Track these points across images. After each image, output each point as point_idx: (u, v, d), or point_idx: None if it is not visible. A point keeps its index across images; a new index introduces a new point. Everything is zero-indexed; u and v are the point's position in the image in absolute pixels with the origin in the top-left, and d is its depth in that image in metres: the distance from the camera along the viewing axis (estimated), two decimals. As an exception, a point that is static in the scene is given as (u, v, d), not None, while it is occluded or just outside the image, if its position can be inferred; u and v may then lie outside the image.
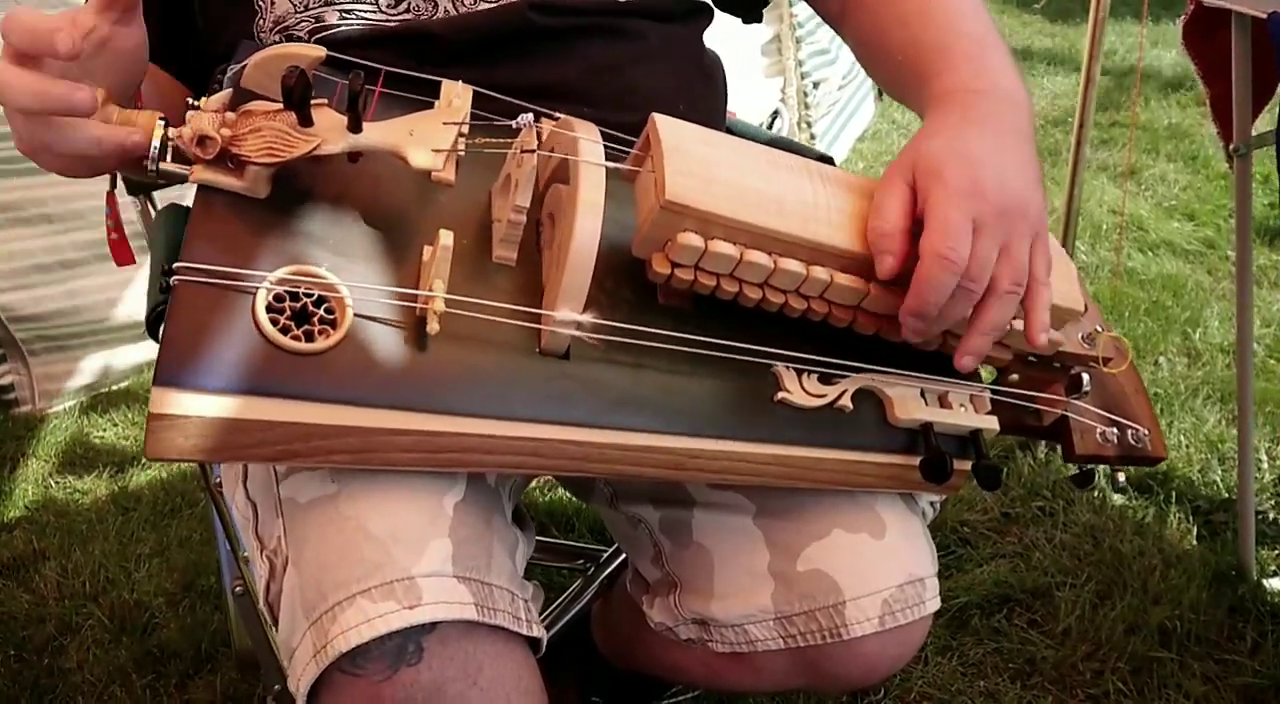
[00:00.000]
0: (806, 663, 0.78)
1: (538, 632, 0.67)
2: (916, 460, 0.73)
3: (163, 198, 1.07)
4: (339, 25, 0.77)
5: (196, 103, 0.63)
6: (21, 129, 0.60)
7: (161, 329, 0.56)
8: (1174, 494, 1.57)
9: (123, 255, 0.71)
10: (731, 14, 0.94)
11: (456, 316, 0.60)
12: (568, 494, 1.55)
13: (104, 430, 2.01)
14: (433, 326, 0.59)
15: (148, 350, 2.19)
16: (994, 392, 0.77)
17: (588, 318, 0.62)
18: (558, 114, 0.68)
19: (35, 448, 1.89)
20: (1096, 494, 1.60)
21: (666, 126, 0.65)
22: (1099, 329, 0.79)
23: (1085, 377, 0.78)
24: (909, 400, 0.73)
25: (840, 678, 0.79)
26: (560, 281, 0.61)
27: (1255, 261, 2.33)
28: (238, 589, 0.89)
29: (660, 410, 0.66)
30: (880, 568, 0.75)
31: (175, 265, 0.57)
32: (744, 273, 0.65)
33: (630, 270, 0.68)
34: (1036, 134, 0.73)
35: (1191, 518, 1.53)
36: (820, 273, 0.65)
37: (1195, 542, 1.49)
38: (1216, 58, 1.16)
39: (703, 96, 0.88)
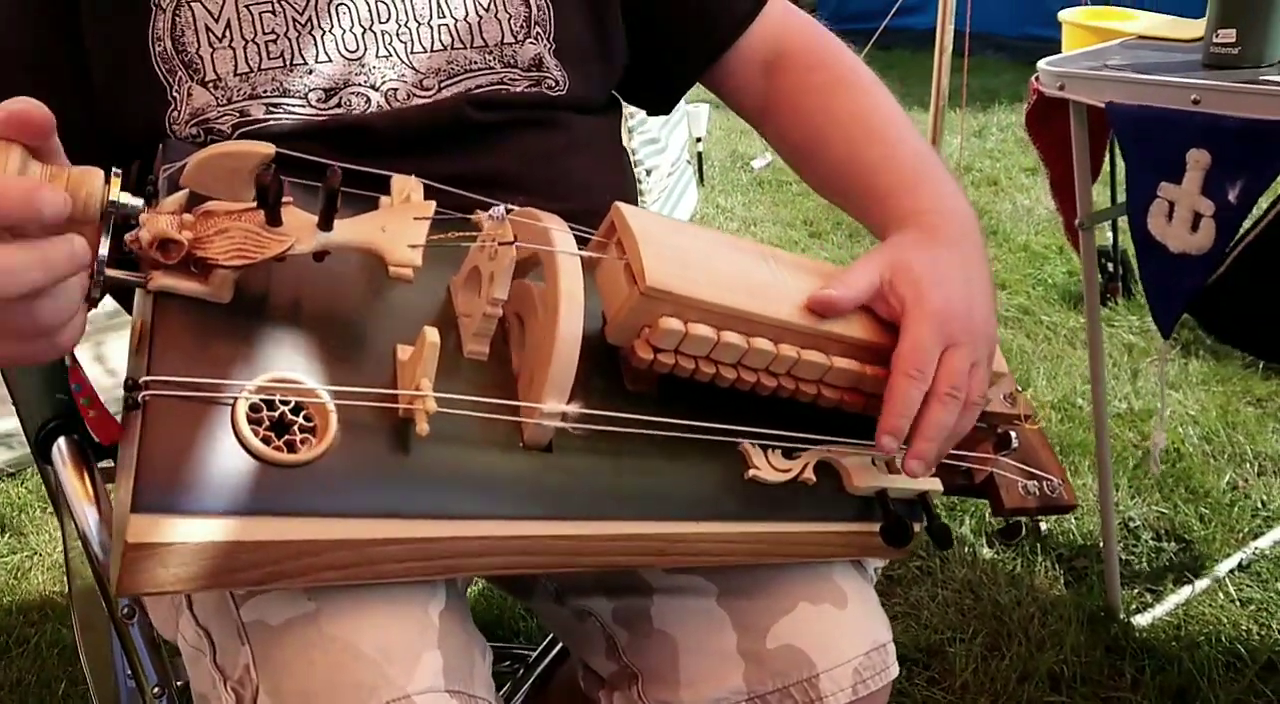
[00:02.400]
0: (780, 740, 0.77)
1: None
2: (874, 527, 0.75)
3: None
4: (266, 120, 0.74)
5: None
6: None
7: (128, 450, 0.51)
8: (1039, 544, 1.66)
9: (108, 430, 0.62)
10: (640, 107, 0.97)
11: (438, 415, 0.58)
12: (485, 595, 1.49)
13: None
14: (422, 427, 0.56)
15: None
16: (932, 455, 0.81)
17: (573, 409, 0.61)
18: (500, 204, 0.68)
19: None
20: (967, 550, 1.67)
21: (631, 215, 0.66)
22: (1017, 389, 0.84)
23: (1012, 434, 0.83)
24: (864, 469, 0.75)
25: (814, 751, 0.79)
26: (546, 374, 0.60)
27: (1066, 324, 2.54)
28: (144, 733, 0.81)
29: (643, 497, 0.65)
30: (847, 637, 0.76)
31: (144, 380, 0.52)
32: (719, 354, 0.65)
33: (595, 359, 0.68)
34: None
35: (1057, 565, 1.62)
36: (788, 350, 0.67)
37: (1064, 588, 1.58)
38: (1055, 142, 1.28)
39: (621, 184, 0.90)
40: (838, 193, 0.85)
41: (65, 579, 1.75)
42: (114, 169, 0.54)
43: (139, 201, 0.54)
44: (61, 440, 0.79)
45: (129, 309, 0.89)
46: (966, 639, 1.47)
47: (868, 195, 0.80)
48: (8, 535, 1.89)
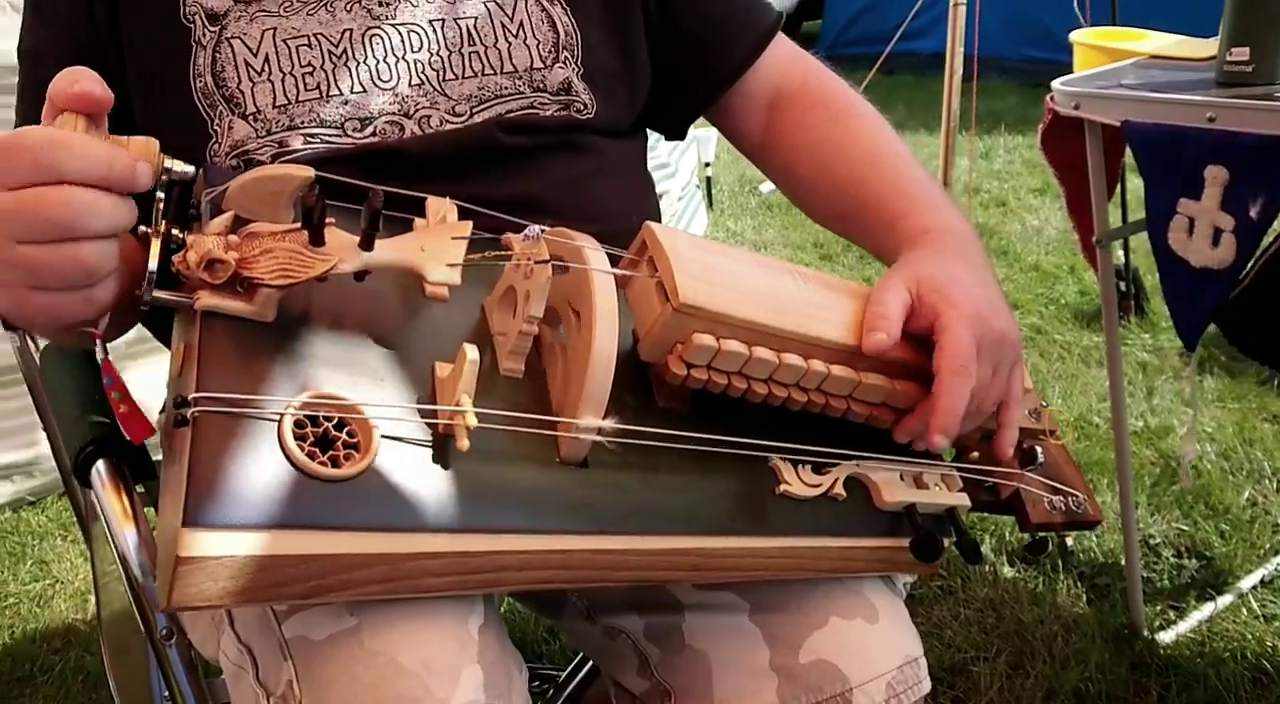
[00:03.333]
0: (814, 756, 0.78)
1: None
2: (904, 542, 0.75)
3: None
4: (304, 150, 0.76)
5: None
6: (25, 270, 0.53)
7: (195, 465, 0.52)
8: (1059, 562, 1.66)
9: (139, 428, 0.65)
10: (657, 131, 0.98)
11: (477, 431, 0.59)
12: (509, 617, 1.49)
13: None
14: (463, 443, 0.57)
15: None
16: (959, 469, 0.81)
17: (609, 424, 0.62)
18: (534, 224, 0.69)
19: None
20: (989, 569, 1.67)
21: (662, 234, 0.67)
22: (1042, 404, 0.85)
23: (1038, 449, 0.84)
24: (893, 484, 0.76)
25: (848, 766, 0.79)
26: (583, 389, 0.61)
27: (1080, 343, 2.55)
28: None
29: (677, 513, 0.66)
30: (880, 652, 0.76)
31: (193, 396, 0.53)
32: (751, 369, 0.66)
33: (628, 375, 0.69)
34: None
35: (1079, 583, 1.62)
36: (818, 366, 0.68)
37: (1087, 605, 1.58)
38: (1070, 161, 1.29)
39: (647, 207, 0.92)
40: (839, 218, 0.88)
41: (87, 607, 1.76)
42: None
43: (190, 168, 0.57)
44: (101, 463, 0.80)
45: (160, 335, 0.90)
46: (990, 658, 1.47)
47: (872, 219, 0.83)
48: (30, 563, 1.90)
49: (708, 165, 3.82)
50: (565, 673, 1.15)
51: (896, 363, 0.70)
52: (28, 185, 0.52)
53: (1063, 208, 3.54)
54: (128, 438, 0.64)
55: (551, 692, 1.13)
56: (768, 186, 4.18)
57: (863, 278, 3.09)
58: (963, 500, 0.78)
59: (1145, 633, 1.49)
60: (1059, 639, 1.49)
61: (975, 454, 0.83)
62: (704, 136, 3.69)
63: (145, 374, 1.16)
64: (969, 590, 1.62)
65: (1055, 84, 1.27)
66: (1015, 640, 1.50)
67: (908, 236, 0.78)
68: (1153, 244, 1.18)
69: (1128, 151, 1.26)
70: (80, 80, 0.54)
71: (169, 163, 0.56)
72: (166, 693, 0.84)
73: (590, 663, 1.15)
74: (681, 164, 3.39)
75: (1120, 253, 2.58)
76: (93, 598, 1.79)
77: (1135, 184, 2.04)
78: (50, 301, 0.55)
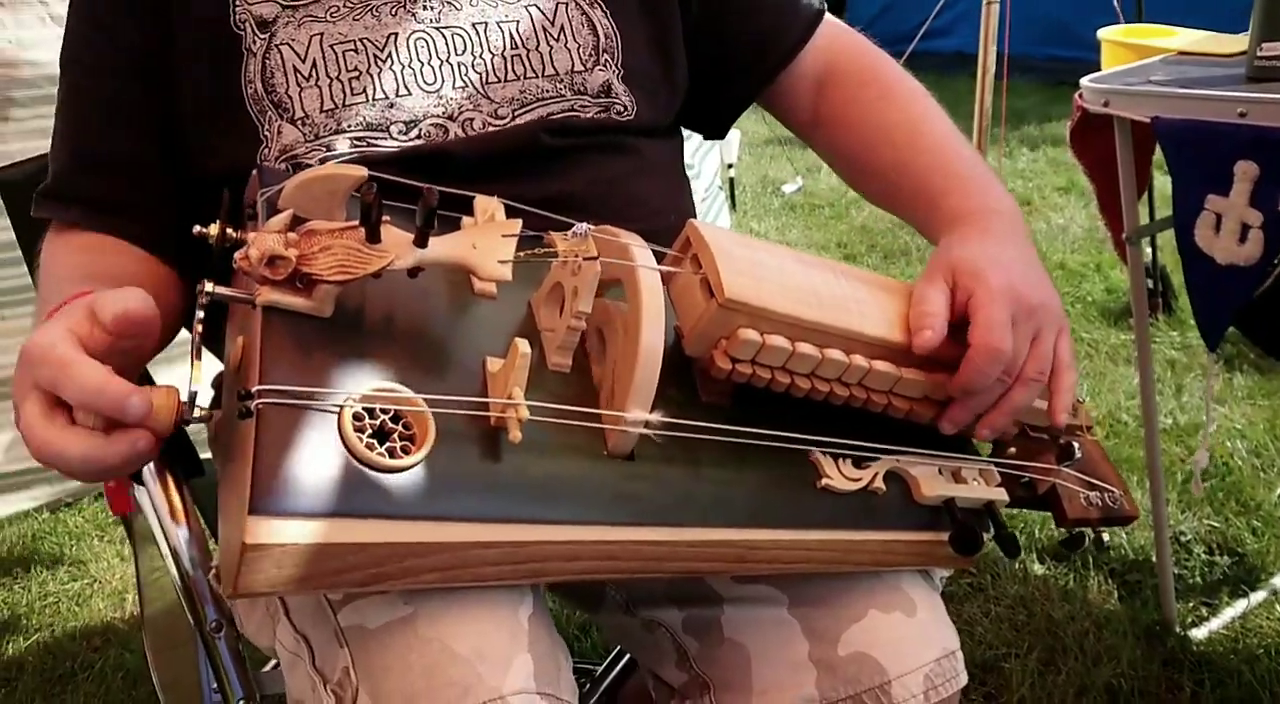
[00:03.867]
0: (851, 748, 0.78)
1: None
2: (942, 536, 0.76)
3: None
4: (350, 153, 0.77)
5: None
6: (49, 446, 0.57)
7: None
8: (1090, 559, 1.66)
9: (120, 503, 0.69)
10: (696, 130, 0.99)
11: (528, 424, 0.61)
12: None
13: (-40, 598, 1.84)
14: (515, 435, 0.58)
15: (7, 505, 2.03)
16: (997, 464, 0.82)
17: (655, 417, 0.63)
18: (581, 222, 0.70)
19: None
20: (1019, 566, 1.67)
21: (707, 231, 0.68)
22: (1078, 400, 0.85)
23: (1075, 445, 0.84)
24: (932, 478, 0.76)
25: (884, 759, 0.79)
26: (630, 384, 0.62)
27: (1107, 341, 2.54)
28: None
29: (721, 504, 0.67)
30: (918, 645, 0.77)
31: (257, 388, 0.55)
32: (795, 364, 0.67)
33: (671, 371, 0.70)
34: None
35: (1110, 580, 1.62)
36: (860, 361, 0.69)
37: (1118, 602, 1.58)
38: (1100, 158, 1.30)
39: (685, 205, 0.93)
40: (889, 198, 0.88)
41: (125, 606, 1.78)
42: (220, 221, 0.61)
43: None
44: (149, 468, 0.82)
45: (209, 340, 0.92)
46: (1021, 655, 1.47)
47: (918, 198, 0.84)
48: (68, 563, 1.93)
49: (730, 166, 3.83)
50: (602, 667, 1.17)
51: (937, 357, 0.71)
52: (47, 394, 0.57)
53: (1087, 206, 3.54)
54: (109, 507, 0.68)
55: (589, 685, 1.14)
56: (790, 187, 4.18)
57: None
58: (1001, 495, 0.79)
59: (1177, 629, 1.49)
60: (1090, 636, 1.49)
61: (1013, 450, 0.84)
62: (727, 138, 3.70)
63: (181, 378, 1.18)
64: (999, 588, 1.62)
65: (1084, 81, 1.27)
66: (1046, 637, 1.51)
67: (949, 218, 0.78)
68: (1178, 240, 1.18)
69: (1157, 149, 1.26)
70: (125, 302, 0.57)
71: (186, 414, 0.59)
72: (214, 685, 0.86)
73: (627, 656, 1.16)
74: (704, 165, 3.39)
75: (1148, 250, 2.57)
76: (130, 597, 1.82)
77: (1162, 182, 2.04)
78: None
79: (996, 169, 3.68)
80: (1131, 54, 1.56)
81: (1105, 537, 0.93)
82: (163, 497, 0.83)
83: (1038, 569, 1.66)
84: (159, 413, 0.58)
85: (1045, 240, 3.34)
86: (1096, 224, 3.40)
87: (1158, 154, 1.27)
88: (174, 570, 0.82)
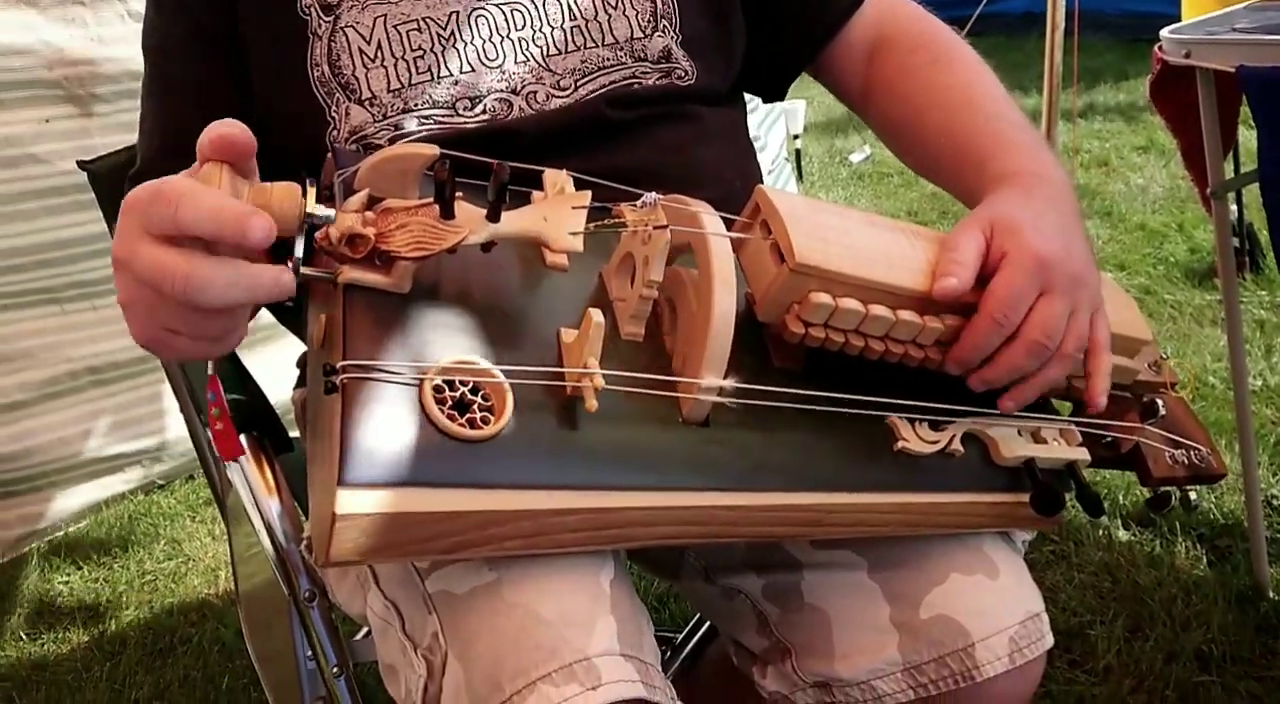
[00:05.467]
0: (933, 712, 0.78)
1: None
2: (1023, 497, 0.75)
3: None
4: (418, 131, 0.78)
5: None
6: (155, 314, 0.56)
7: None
8: (1177, 524, 1.62)
9: (230, 447, 0.68)
10: (755, 94, 0.99)
11: (604, 392, 0.61)
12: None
13: (68, 575, 1.93)
14: (591, 404, 0.59)
15: (103, 489, 2.12)
16: (1078, 424, 0.81)
17: (729, 383, 0.64)
18: (649, 192, 0.71)
19: (-3, 603, 1.81)
20: (1102, 533, 1.64)
21: (776, 197, 0.68)
22: (1162, 356, 0.83)
23: (1159, 402, 0.82)
24: (1011, 439, 0.75)
25: (968, 722, 0.79)
26: (704, 350, 0.62)
27: (1191, 302, 2.47)
28: (321, 705, 0.86)
29: (797, 469, 0.67)
30: (1001, 607, 0.77)
31: (341, 364, 0.57)
32: (868, 327, 0.67)
33: (743, 337, 0.70)
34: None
35: (1198, 545, 1.58)
36: (934, 322, 0.68)
37: (1207, 567, 1.54)
38: (1183, 111, 1.26)
39: (750, 171, 0.92)
40: (935, 164, 0.86)
41: (218, 582, 1.85)
42: (308, 180, 0.59)
43: (330, 212, 0.59)
44: (242, 437, 0.85)
45: (286, 320, 0.94)
46: (1107, 621, 1.45)
47: (964, 161, 0.81)
48: (163, 542, 2.01)
49: (796, 137, 3.79)
50: (682, 635, 1.18)
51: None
52: (164, 236, 0.53)
53: (1167, 165, 3.43)
54: (217, 453, 0.68)
55: (669, 653, 1.16)
56: (858, 156, 4.12)
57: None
58: (1082, 455, 0.78)
59: (1271, 594, 1.45)
60: (1178, 602, 1.46)
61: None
62: (792, 108, 3.66)
63: (266, 361, 1.22)
64: (1083, 555, 1.60)
65: (1164, 33, 1.23)
66: (1133, 604, 1.48)
67: (993, 177, 0.76)
68: (1263, 194, 1.14)
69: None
70: (219, 126, 0.55)
71: (310, 209, 0.58)
72: (309, 652, 0.89)
73: (707, 624, 1.17)
74: (770, 137, 3.37)
75: (1234, 207, 2.48)
76: (223, 573, 1.88)
77: (1247, 136, 1.96)
78: (183, 346, 0.58)
79: (1069, 129, 3.59)
80: (1214, 3, 1.51)
81: (1193, 495, 0.91)
82: (257, 472, 0.86)
83: (1122, 536, 1.63)
84: (287, 211, 0.56)
85: (1125, 201, 3.25)
86: (1178, 183, 3.29)
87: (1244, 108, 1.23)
88: (268, 543, 0.85)
